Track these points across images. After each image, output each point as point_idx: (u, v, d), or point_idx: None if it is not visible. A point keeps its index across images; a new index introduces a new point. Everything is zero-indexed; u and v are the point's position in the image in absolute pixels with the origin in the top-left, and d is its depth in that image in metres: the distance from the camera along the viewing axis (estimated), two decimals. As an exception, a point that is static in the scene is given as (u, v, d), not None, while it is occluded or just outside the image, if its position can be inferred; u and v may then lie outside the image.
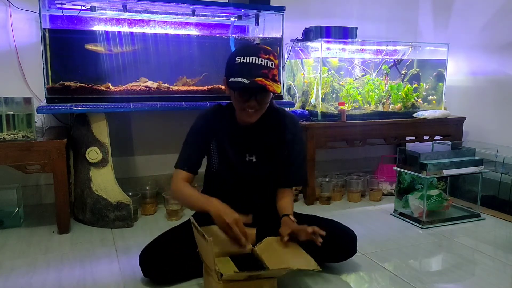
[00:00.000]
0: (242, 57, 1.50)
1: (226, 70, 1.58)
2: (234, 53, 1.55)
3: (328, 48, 2.67)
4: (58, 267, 1.69)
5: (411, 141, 2.84)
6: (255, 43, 1.58)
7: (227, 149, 1.65)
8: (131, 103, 2.13)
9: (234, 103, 1.60)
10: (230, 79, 1.51)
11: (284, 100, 2.59)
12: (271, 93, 1.53)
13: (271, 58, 1.51)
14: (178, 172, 1.62)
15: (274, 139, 1.66)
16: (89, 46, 2.13)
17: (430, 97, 2.97)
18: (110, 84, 2.18)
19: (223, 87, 2.35)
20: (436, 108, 2.94)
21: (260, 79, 1.46)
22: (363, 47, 2.83)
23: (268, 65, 1.49)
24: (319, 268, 1.37)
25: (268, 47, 1.55)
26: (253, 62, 1.48)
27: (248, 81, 1.46)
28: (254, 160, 1.65)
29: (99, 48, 2.14)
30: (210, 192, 1.65)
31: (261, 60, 1.49)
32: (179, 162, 1.64)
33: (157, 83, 2.27)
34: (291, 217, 1.58)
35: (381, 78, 2.83)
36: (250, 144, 1.65)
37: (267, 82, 1.47)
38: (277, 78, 1.53)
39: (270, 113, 1.63)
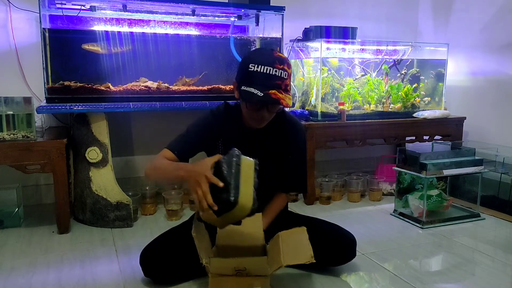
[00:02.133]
0: (256, 66, 1.45)
1: (238, 75, 1.54)
2: (247, 58, 1.50)
3: (328, 48, 2.67)
4: (58, 267, 1.69)
5: (411, 141, 2.84)
6: (270, 49, 1.54)
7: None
8: (131, 103, 2.13)
9: (243, 109, 1.56)
10: (242, 87, 1.47)
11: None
12: None
13: (285, 68, 1.47)
14: (165, 151, 1.53)
15: (278, 144, 1.65)
16: (86, 46, 2.13)
17: (425, 98, 2.97)
18: (110, 84, 2.18)
19: (223, 87, 2.37)
20: (435, 107, 2.94)
21: (273, 91, 1.43)
22: (363, 47, 2.83)
23: (282, 76, 1.46)
24: (312, 260, 1.34)
25: (282, 55, 1.51)
26: (267, 72, 1.44)
27: (262, 94, 1.43)
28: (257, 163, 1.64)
29: (96, 48, 2.14)
30: None
31: (276, 71, 1.45)
32: (172, 143, 1.56)
33: (157, 83, 2.27)
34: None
35: (381, 78, 2.83)
36: (254, 147, 1.62)
37: (280, 96, 1.44)
38: (289, 88, 1.50)
39: (276, 117, 1.61)
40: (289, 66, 1.50)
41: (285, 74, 1.47)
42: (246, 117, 1.58)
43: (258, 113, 1.52)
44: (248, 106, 1.52)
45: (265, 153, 1.64)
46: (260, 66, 1.45)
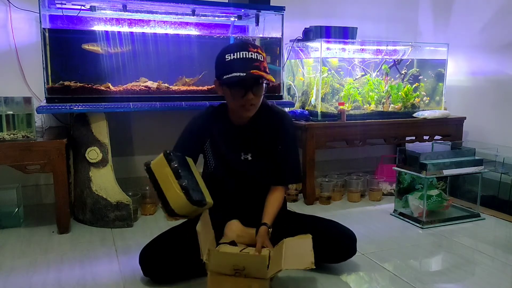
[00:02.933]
0: (232, 54, 1.51)
1: (216, 70, 1.58)
2: (222, 53, 1.56)
3: (328, 48, 2.67)
4: (58, 267, 1.69)
5: (411, 141, 2.84)
6: (238, 39, 1.61)
7: (222, 148, 1.65)
8: (131, 103, 2.13)
9: (229, 101, 1.58)
10: (224, 77, 1.51)
11: (284, 100, 2.60)
12: (265, 86, 1.55)
13: (259, 51, 1.54)
14: None
15: (268, 137, 1.67)
16: (86, 46, 2.13)
17: (424, 98, 2.97)
18: (110, 84, 2.18)
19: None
20: (435, 107, 2.94)
21: (254, 71, 1.48)
22: (363, 47, 2.83)
23: (258, 58, 1.52)
24: (311, 266, 1.34)
25: (254, 43, 1.58)
26: (244, 56, 1.50)
27: (244, 74, 1.47)
28: (250, 158, 1.66)
29: (96, 48, 2.14)
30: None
31: (251, 54, 1.51)
32: None
33: (157, 83, 2.27)
34: (269, 229, 1.55)
35: (381, 78, 2.83)
36: (245, 143, 1.65)
37: (262, 73, 1.50)
38: (267, 70, 1.55)
39: (262, 110, 1.63)
40: (262, 50, 1.56)
41: (261, 56, 1.54)
42: (234, 110, 1.60)
43: (245, 98, 1.53)
44: (233, 92, 1.53)
45: (254, 148, 1.65)
46: (236, 53, 1.51)
